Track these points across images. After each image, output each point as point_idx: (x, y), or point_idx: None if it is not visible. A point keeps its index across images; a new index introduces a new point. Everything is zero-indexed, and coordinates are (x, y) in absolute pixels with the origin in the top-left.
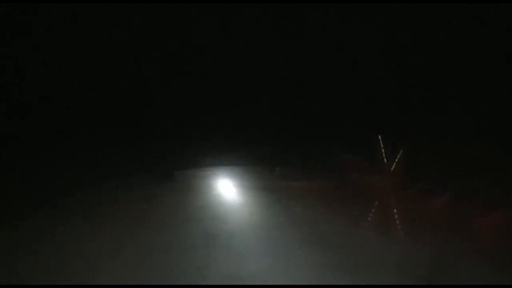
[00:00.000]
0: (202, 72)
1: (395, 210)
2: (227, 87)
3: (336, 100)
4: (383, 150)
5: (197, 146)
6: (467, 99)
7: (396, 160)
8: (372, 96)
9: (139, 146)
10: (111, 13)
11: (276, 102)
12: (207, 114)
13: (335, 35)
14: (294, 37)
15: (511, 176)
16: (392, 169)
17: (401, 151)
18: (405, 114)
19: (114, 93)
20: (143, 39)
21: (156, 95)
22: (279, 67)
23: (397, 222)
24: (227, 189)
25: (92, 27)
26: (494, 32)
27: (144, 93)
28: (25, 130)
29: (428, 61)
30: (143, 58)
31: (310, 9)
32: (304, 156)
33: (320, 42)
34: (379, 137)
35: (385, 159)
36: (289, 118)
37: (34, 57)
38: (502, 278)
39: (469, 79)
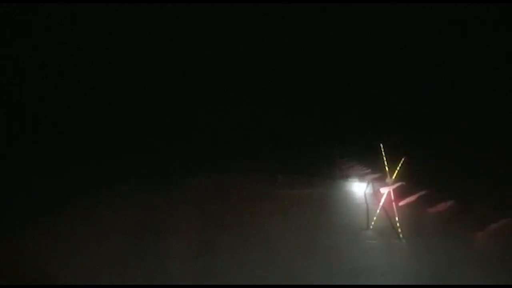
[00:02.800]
0: (202, 73)
1: (397, 218)
2: (227, 90)
3: (338, 105)
4: (385, 158)
5: (198, 153)
6: (467, 99)
7: (398, 167)
8: (374, 101)
9: (142, 151)
10: (111, 13)
11: (277, 107)
12: (207, 122)
13: (335, 36)
14: (294, 38)
15: None
16: (394, 176)
17: (403, 158)
18: (406, 121)
19: (114, 93)
20: (143, 39)
21: (155, 96)
22: (279, 68)
23: (399, 229)
24: (229, 196)
25: (92, 27)
26: (494, 32)
27: (145, 94)
28: (24, 132)
29: (428, 64)
30: (143, 58)
31: (310, 9)
32: (306, 163)
33: (320, 44)
34: (381, 144)
35: (387, 167)
36: (291, 125)
37: (34, 57)
38: (502, 282)
39: (469, 79)
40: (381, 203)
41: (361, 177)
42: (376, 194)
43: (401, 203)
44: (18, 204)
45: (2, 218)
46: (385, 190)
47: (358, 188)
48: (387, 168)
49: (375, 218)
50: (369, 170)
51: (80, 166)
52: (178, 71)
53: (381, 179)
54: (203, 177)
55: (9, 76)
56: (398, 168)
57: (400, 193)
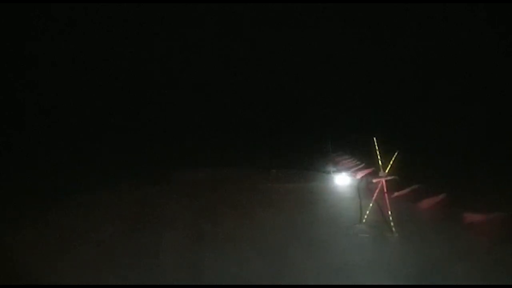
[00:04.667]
0: (197, 72)
1: (390, 212)
2: (224, 88)
3: (333, 100)
4: (378, 151)
5: (193, 148)
6: (461, 97)
7: (391, 161)
8: (368, 97)
9: (135, 148)
10: (111, 13)
11: (272, 104)
12: (203, 115)
13: (333, 36)
14: (292, 37)
15: (506, 178)
16: (387, 170)
17: (397, 152)
18: (401, 115)
19: (110, 93)
20: (143, 39)
21: (151, 94)
22: (277, 69)
23: (392, 223)
24: (222, 190)
25: (92, 27)
26: (494, 32)
27: (140, 92)
28: (24, 132)
29: (425, 61)
30: (140, 59)
31: (310, 9)
32: (300, 158)
33: (318, 42)
34: (375, 138)
35: (380, 161)
36: (285, 119)
37: (34, 58)
38: (496, 278)
39: (468, 80)
40: (374, 197)
41: (355, 172)
42: (369, 188)
43: (393, 197)
44: (15, 200)
45: None
46: (378, 183)
47: (351, 182)
48: (380, 163)
49: (368, 212)
50: (363, 165)
51: (74, 163)
52: (174, 71)
53: (375, 173)
54: (197, 172)
55: (9, 77)
56: (391, 163)
57: (393, 187)
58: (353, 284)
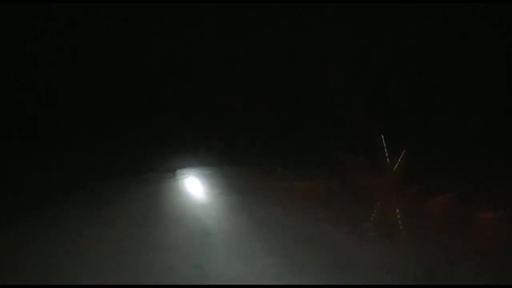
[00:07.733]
0: (201, 73)
1: (396, 211)
2: (225, 87)
3: (338, 100)
4: (385, 151)
5: (196, 147)
6: (467, 100)
7: (398, 161)
8: (374, 96)
9: (136, 146)
10: (111, 13)
11: (276, 102)
12: (206, 114)
13: (335, 35)
14: (294, 37)
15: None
16: (393, 170)
17: (403, 152)
18: (406, 115)
19: (114, 93)
20: (144, 39)
21: (153, 92)
22: (279, 67)
23: (398, 222)
24: (226, 189)
25: (92, 27)
26: (494, 32)
27: (143, 89)
28: (28, 128)
29: (428, 62)
30: (144, 58)
31: (311, 9)
32: (306, 156)
33: (320, 41)
34: (381, 138)
35: (386, 160)
36: (290, 118)
37: (36, 57)
38: (501, 277)
39: (468, 80)
40: (381, 195)
41: (361, 170)
42: (376, 187)
43: (401, 196)
44: (15, 200)
45: None
46: (384, 183)
47: (358, 181)
48: (387, 161)
49: (375, 210)
50: (369, 163)
51: (78, 161)
52: (176, 67)
53: (382, 172)
54: (202, 171)
55: (11, 76)
56: (398, 161)
57: (400, 186)
58: (354, 284)
